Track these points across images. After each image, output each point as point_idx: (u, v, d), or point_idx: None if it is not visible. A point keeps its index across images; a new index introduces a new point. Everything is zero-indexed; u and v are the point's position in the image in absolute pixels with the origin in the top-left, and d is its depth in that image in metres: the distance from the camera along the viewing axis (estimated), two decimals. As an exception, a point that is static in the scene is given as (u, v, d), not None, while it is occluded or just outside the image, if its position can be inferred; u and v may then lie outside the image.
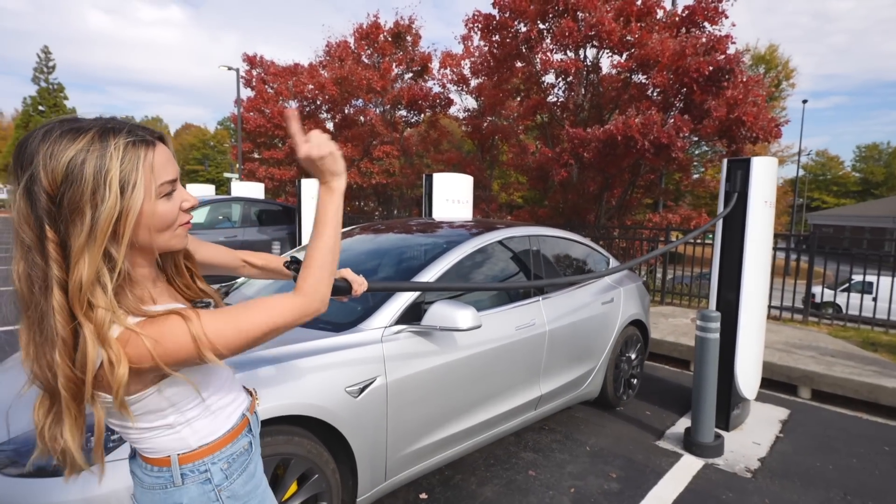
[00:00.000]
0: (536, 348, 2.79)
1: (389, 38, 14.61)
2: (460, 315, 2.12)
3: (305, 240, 7.14)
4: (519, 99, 10.92)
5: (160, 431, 0.88)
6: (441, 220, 3.65)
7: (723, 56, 7.47)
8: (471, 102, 13.96)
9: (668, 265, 7.49)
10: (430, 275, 2.34)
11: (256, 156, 20.71)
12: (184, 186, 0.90)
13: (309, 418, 1.75)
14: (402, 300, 2.22)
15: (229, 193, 10.79)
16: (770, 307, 6.58)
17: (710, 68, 7.27)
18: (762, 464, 2.92)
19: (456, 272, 2.51)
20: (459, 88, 13.55)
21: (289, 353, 1.79)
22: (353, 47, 15.01)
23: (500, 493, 2.48)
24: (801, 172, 35.78)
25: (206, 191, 12.51)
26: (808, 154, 38.03)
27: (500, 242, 2.90)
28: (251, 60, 20.04)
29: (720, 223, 3.34)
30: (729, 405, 3.32)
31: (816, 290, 8.36)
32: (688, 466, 2.85)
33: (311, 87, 17.15)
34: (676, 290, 7.65)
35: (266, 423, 1.62)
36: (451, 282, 2.43)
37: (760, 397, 4.00)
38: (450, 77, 13.61)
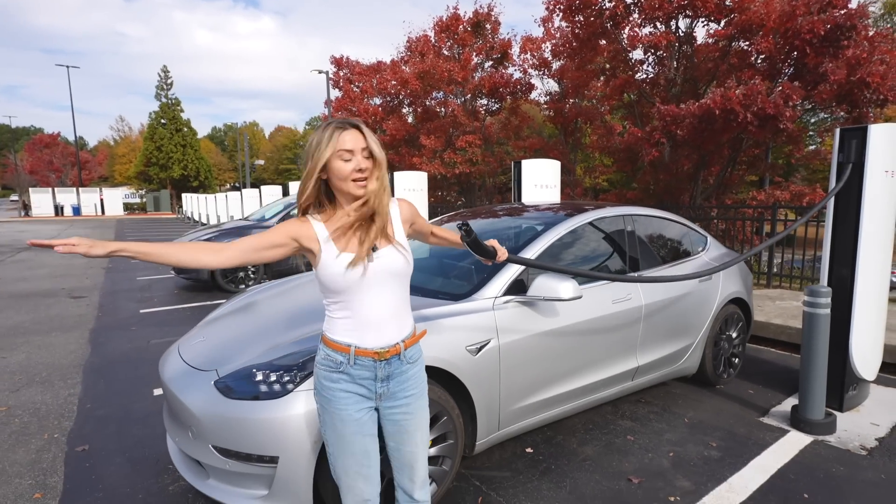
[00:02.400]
0: (633, 321, 2.94)
1: (469, 29, 14.81)
2: (562, 287, 2.36)
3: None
4: (604, 79, 10.62)
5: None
6: (534, 203, 3.87)
7: (842, 12, 6.74)
8: (552, 86, 13.79)
9: (774, 246, 6.99)
10: (528, 254, 2.60)
11: (346, 152, 22.00)
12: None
13: (438, 371, 2.10)
14: (509, 274, 2.50)
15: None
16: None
17: (827, 27, 6.61)
18: (880, 443, 2.83)
19: (551, 253, 2.73)
20: (540, 73, 13.43)
21: (418, 316, 2.16)
22: (433, 41, 15.42)
23: (600, 453, 2.70)
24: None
25: (274, 191, 13.62)
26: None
27: (591, 223, 3.06)
28: (338, 62, 21.32)
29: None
30: (843, 385, 3.21)
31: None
32: (794, 441, 2.84)
33: (393, 83, 17.90)
34: (785, 272, 7.13)
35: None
36: (552, 255, 2.67)
37: (885, 381, 3.75)
38: (530, 62, 13.52)
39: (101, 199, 38.31)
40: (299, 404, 1.81)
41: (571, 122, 13.37)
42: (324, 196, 1.39)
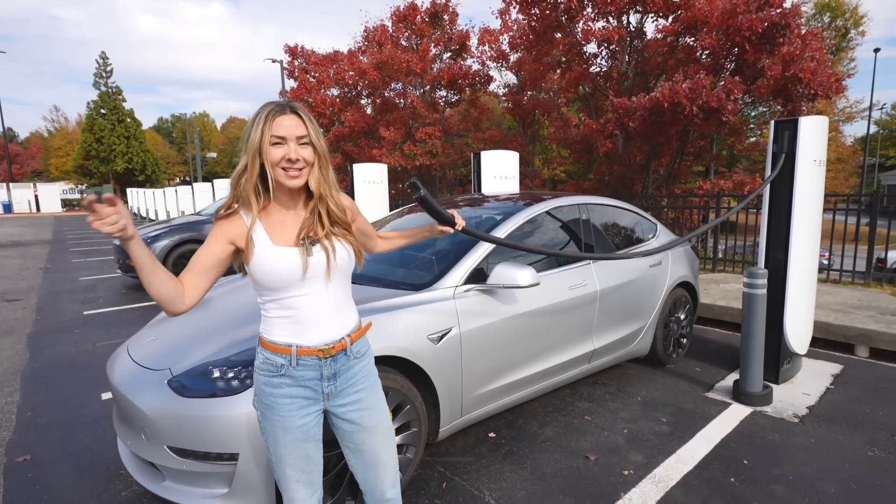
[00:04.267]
0: (588, 306, 3.05)
1: (427, 19, 14.72)
2: (521, 274, 2.42)
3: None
4: (560, 71, 10.84)
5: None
6: (494, 194, 3.93)
7: (778, 10, 7.16)
8: (511, 78, 13.95)
9: (719, 232, 7.40)
10: (484, 248, 2.64)
11: (303, 144, 21.46)
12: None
13: (399, 360, 2.12)
14: (469, 263, 2.54)
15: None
16: (830, 270, 6.45)
17: (764, 25, 7.01)
18: (810, 411, 3.08)
19: (517, 236, 2.80)
20: (498, 65, 13.54)
21: (379, 307, 2.17)
22: (391, 31, 15.23)
23: (559, 433, 2.80)
24: (874, 129, 32.96)
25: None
26: (882, 108, 34.73)
27: (548, 213, 3.15)
28: (293, 51, 20.67)
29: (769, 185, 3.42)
30: (779, 359, 3.46)
31: (888, 254, 7.93)
32: (736, 413, 3.05)
33: (351, 73, 17.56)
34: (728, 257, 7.57)
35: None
36: (503, 251, 2.72)
37: (815, 356, 4.08)
38: (489, 54, 13.61)
39: (36, 195, 35.75)
40: (258, 399, 1.78)
41: (530, 115, 13.58)
42: (260, 185, 1.28)
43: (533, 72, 11.49)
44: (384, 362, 2.08)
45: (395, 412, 2.12)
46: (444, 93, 15.55)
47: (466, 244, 2.69)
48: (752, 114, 12.63)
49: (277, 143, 1.23)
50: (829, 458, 2.54)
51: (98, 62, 39.52)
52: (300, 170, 1.26)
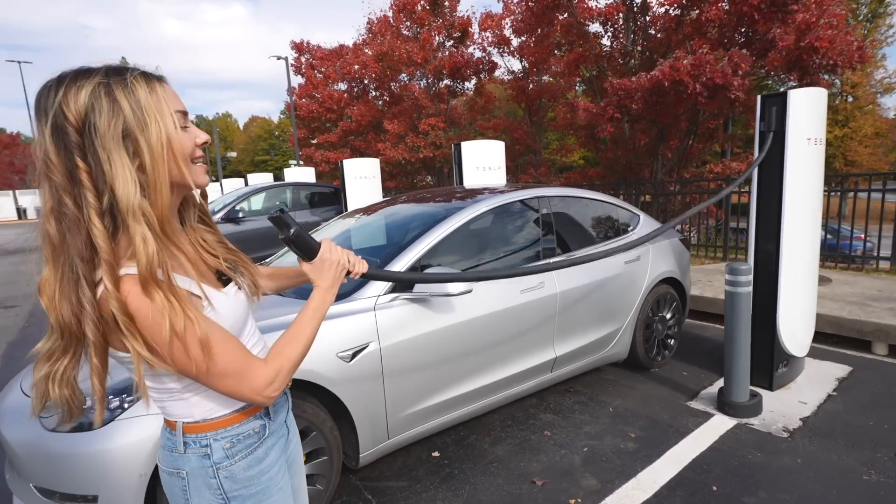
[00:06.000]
0: (546, 311, 2.76)
1: (427, 7, 14.33)
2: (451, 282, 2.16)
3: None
4: (560, 54, 10.37)
5: (168, 395, 0.88)
6: (464, 188, 3.65)
7: (789, -26, 6.55)
8: (515, 64, 13.46)
9: (728, 219, 6.92)
10: (418, 249, 2.38)
11: (314, 141, 21.54)
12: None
13: (305, 383, 1.90)
14: (401, 266, 2.29)
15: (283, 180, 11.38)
16: (866, 256, 5.92)
17: (774, -9, 6.43)
18: (804, 423, 2.72)
19: (450, 244, 2.52)
20: (501, 50, 13.07)
21: (277, 323, 1.94)
22: (392, 21, 14.92)
23: (511, 453, 2.54)
24: (915, 100, 30.68)
25: (265, 179, 13.28)
26: (925, 77, 32.33)
27: (498, 209, 2.83)
28: (299, 47, 20.61)
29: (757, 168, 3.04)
30: (772, 363, 3.10)
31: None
32: (716, 426, 2.73)
33: (356, 67, 17.38)
34: (742, 244, 7.08)
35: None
36: (443, 253, 2.46)
37: (824, 355, 3.68)
38: (490, 39, 13.15)
39: (67, 200, 37.04)
40: (120, 435, 1.59)
41: (535, 101, 13.11)
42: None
43: (534, 55, 11.04)
44: (282, 386, 1.86)
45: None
46: (448, 82, 15.18)
47: (400, 246, 2.44)
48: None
49: (183, 126, 0.84)
50: (816, 483, 2.20)
51: (120, 68, 40.45)
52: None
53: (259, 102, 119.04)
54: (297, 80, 21.44)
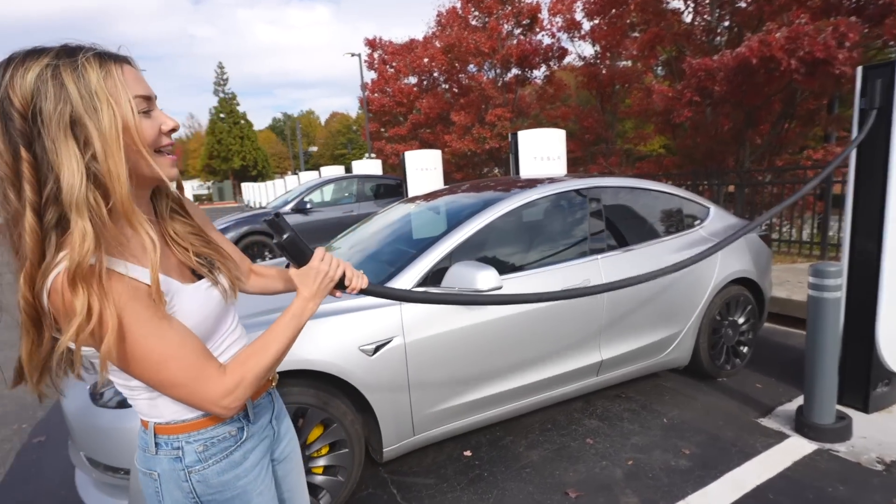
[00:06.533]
0: (591, 310, 2.56)
1: (496, -5, 14.02)
2: (480, 276, 2.06)
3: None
4: (637, 34, 9.66)
5: (136, 393, 0.85)
6: (518, 178, 3.50)
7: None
8: (586, 49, 12.82)
9: (829, 212, 6.06)
10: (446, 245, 2.29)
11: (385, 134, 22.10)
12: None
13: (322, 373, 1.90)
14: (425, 264, 2.22)
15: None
16: None
17: (896, -55, 5.46)
18: (905, 455, 2.30)
19: (479, 239, 2.40)
20: (571, 35, 12.47)
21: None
22: (460, 12, 14.80)
23: (547, 459, 2.40)
24: None
25: (337, 172, 13.83)
26: None
27: (535, 202, 2.64)
28: (372, 44, 21.14)
29: (854, 153, 2.60)
30: (868, 381, 2.65)
31: None
32: (790, 450, 2.38)
33: (426, 60, 17.50)
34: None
35: (283, 376, 1.81)
36: (472, 249, 2.35)
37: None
38: (559, 25, 12.60)
39: (173, 193, 41.33)
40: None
41: (608, 87, 12.37)
42: (97, 193, 0.74)
43: (606, 37, 10.40)
44: (305, 376, 1.87)
45: (316, 432, 1.91)
46: (517, 71, 14.81)
47: (430, 239, 2.37)
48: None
49: (145, 111, 0.79)
50: (913, 528, 1.84)
51: (216, 72, 44.33)
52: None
53: (339, 99, 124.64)
54: (371, 76, 22.08)
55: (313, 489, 1.94)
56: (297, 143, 43.29)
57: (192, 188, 43.71)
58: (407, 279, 2.16)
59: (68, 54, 0.73)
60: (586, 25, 11.89)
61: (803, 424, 2.51)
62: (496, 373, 2.33)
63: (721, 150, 8.44)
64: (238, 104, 44.88)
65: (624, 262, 2.71)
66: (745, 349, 3.29)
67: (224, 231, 7.29)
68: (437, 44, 16.22)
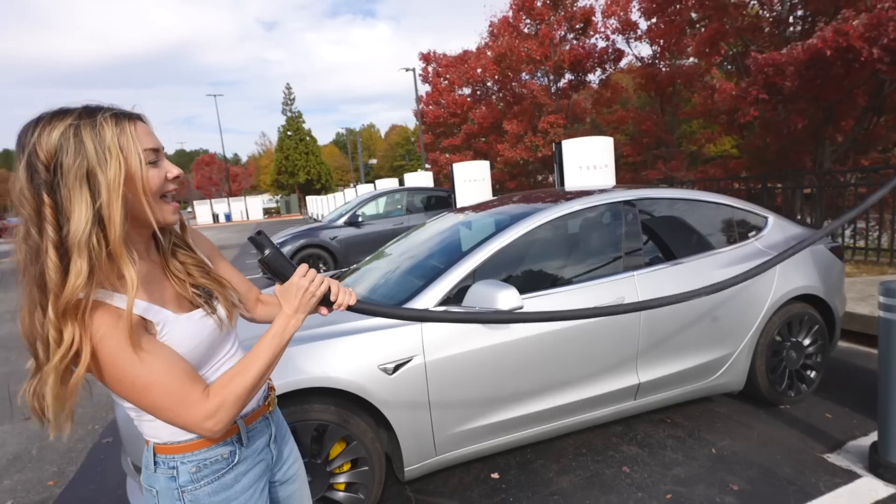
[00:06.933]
0: (626, 330, 2.43)
1: (549, 2, 13.86)
2: (500, 295, 2.02)
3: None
4: (694, 32, 9.15)
5: (139, 415, 0.92)
6: (558, 191, 3.43)
7: None
8: (644, 50, 12.32)
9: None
10: (470, 263, 2.27)
11: (440, 145, 22.42)
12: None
13: (341, 391, 1.94)
14: (448, 282, 2.22)
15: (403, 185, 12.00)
16: None
17: None
18: None
19: (504, 258, 2.36)
20: (627, 37, 12.05)
21: (326, 332, 2.01)
22: (511, 20, 14.79)
23: (578, 487, 2.29)
24: None
25: (392, 184, 14.19)
26: None
27: (566, 217, 2.54)
28: (426, 58, 21.61)
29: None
30: (962, 416, 2.30)
31: None
32: (861, 492, 2.11)
33: (479, 70, 17.62)
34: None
35: (305, 393, 1.87)
36: (497, 266, 2.32)
37: None
38: (614, 27, 12.21)
39: (246, 206, 44.41)
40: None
41: (667, 87, 11.80)
42: (100, 235, 0.83)
43: (664, 37, 9.94)
44: (323, 394, 1.93)
45: (338, 448, 1.96)
46: (570, 77, 14.52)
47: (455, 258, 2.37)
48: None
49: (152, 162, 0.89)
50: None
51: (284, 93, 47.22)
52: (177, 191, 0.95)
53: (399, 112, 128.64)
54: (426, 89, 22.55)
55: (335, 505, 1.98)
56: (358, 156, 45.19)
57: (262, 202, 46.58)
58: (429, 298, 2.17)
59: (89, 114, 0.84)
60: (643, 25, 11.45)
61: (878, 463, 2.22)
62: (522, 394, 2.26)
63: (795, 150, 7.76)
64: (304, 122, 47.44)
65: (664, 279, 2.55)
66: (813, 373, 2.97)
67: (282, 245, 7.69)
68: (490, 53, 16.29)
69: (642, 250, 2.61)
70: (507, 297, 2.01)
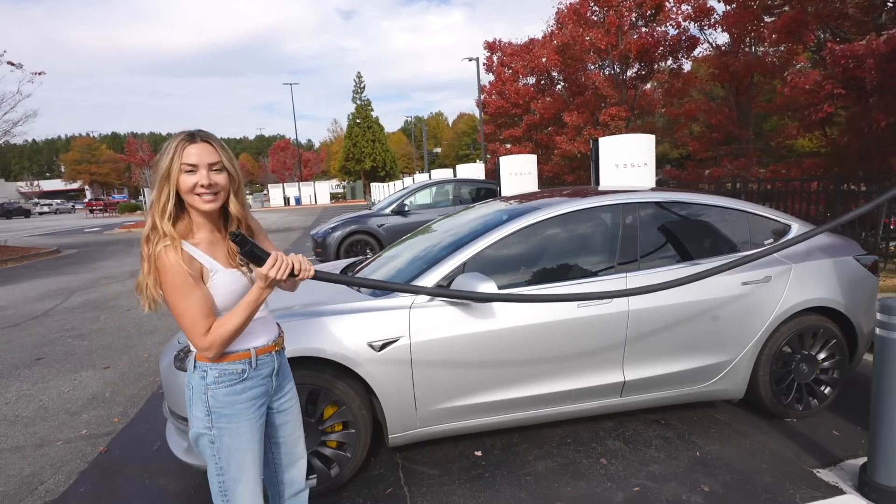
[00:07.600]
0: (612, 329, 2.51)
1: (617, -13, 13.30)
2: (480, 287, 2.20)
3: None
4: (770, 19, 8.46)
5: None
6: (610, 189, 3.50)
7: None
8: (719, 38, 11.52)
9: None
10: (462, 255, 2.46)
11: (501, 136, 22.32)
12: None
13: (333, 362, 2.23)
14: (441, 271, 2.43)
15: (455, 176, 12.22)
16: None
17: None
18: None
19: (495, 253, 2.53)
20: (700, 24, 11.32)
21: (327, 310, 2.31)
22: (578, 8, 14.36)
23: (551, 471, 2.43)
24: None
25: (446, 174, 14.45)
26: None
27: (561, 217, 2.64)
28: (491, 46, 21.51)
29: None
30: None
31: None
32: (838, 509, 2.08)
33: (544, 59, 17.32)
34: None
35: (301, 360, 2.18)
36: (488, 261, 2.49)
37: None
38: (686, 13, 11.51)
39: (314, 191, 46.90)
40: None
41: (744, 78, 10.97)
42: (176, 207, 1.35)
43: (736, 23, 9.26)
44: (320, 363, 2.22)
45: (330, 410, 2.26)
46: (637, 67, 13.89)
47: (452, 246, 2.57)
48: None
49: (190, 171, 1.31)
50: None
51: (355, 81, 48.84)
52: (215, 194, 1.34)
53: (467, 100, 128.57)
54: (489, 78, 22.48)
55: (326, 459, 2.29)
56: (423, 144, 46.04)
57: (330, 187, 48.72)
58: (422, 283, 2.39)
59: (175, 138, 1.34)
60: (720, 10, 10.72)
61: (865, 483, 2.16)
62: (505, 380, 2.44)
63: (880, 151, 7.04)
64: (372, 110, 48.90)
65: (659, 279, 2.58)
66: (827, 389, 2.86)
67: (333, 229, 8.23)
68: (555, 42, 15.94)
69: (637, 254, 2.66)
70: (485, 290, 2.19)
